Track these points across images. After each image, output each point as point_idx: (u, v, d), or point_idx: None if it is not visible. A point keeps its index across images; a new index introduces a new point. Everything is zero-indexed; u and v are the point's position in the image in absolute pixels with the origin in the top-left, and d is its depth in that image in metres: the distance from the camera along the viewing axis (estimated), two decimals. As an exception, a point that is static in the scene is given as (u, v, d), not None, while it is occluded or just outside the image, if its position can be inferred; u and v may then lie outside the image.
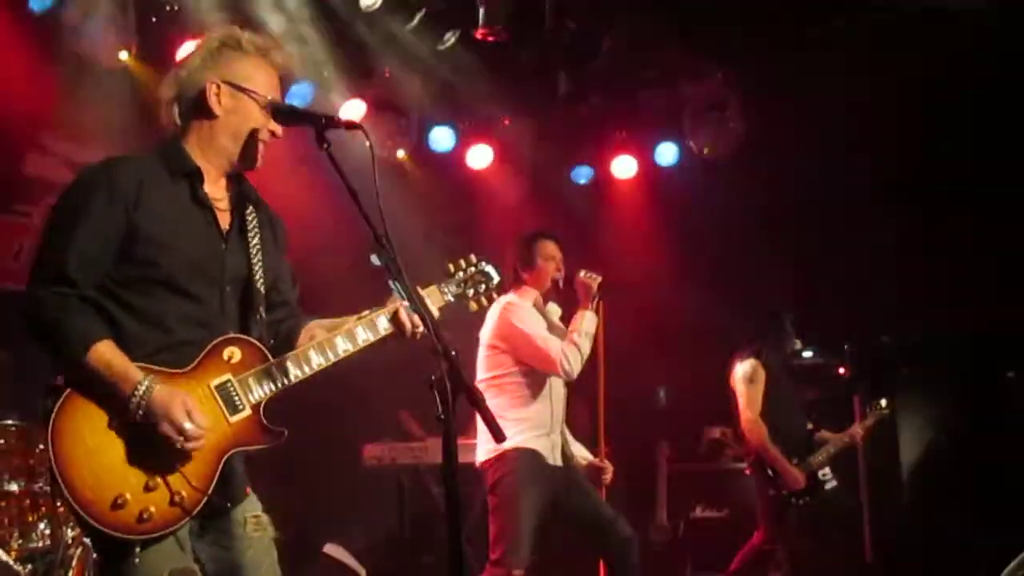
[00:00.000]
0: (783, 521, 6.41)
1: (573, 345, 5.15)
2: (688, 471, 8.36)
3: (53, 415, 2.64)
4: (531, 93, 8.26)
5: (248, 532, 2.94)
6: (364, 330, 3.03)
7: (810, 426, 6.67)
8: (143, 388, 2.65)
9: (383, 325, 3.06)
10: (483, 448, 5.17)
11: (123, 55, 6.43)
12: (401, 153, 8.32)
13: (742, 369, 6.58)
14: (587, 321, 5.24)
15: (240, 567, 2.90)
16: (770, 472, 6.36)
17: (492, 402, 5.16)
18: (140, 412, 2.65)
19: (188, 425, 2.67)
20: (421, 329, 2.97)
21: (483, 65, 7.56)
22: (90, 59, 6.33)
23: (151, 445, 2.69)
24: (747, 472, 6.64)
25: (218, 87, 2.92)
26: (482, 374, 5.32)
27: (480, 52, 7.32)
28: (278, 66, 3.04)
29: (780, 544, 6.48)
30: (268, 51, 3.02)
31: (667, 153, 8.83)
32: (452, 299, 3.24)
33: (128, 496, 2.64)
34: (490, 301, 3.33)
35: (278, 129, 2.98)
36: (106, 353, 2.67)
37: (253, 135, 2.95)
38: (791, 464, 6.33)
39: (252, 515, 2.97)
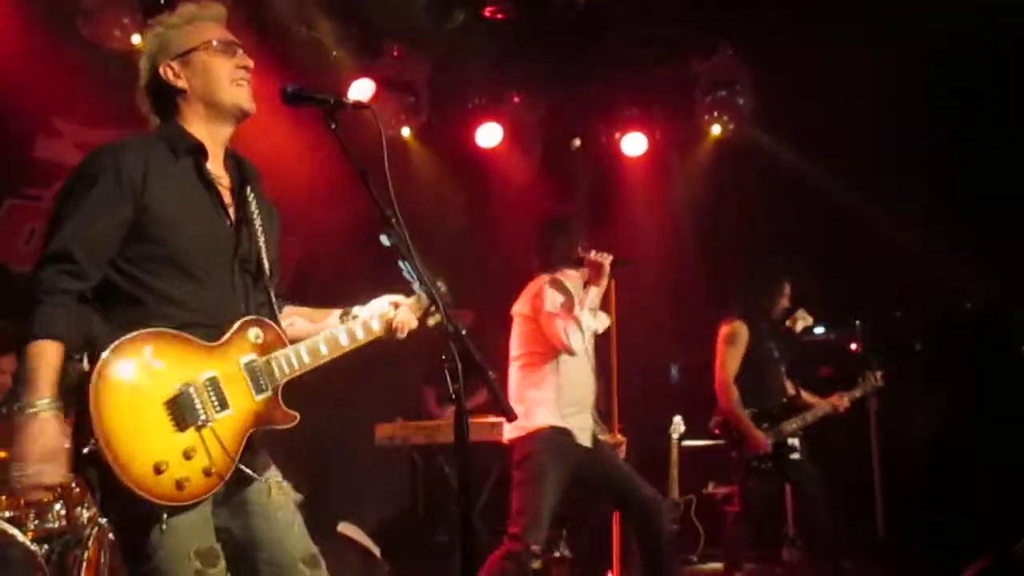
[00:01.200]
0: (746, 481, 6.45)
1: (572, 321, 5.17)
2: (700, 448, 8.37)
3: (96, 373, 2.61)
4: (540, 70, 8.23)
5: (274, 497, 2.97)
6: (362, 330, 3.14)
7: (791, 391, 6.63)
8: (36, 407, 2.60)
9: (377, 327, 3.17)
10: (512, 424, 5.19)
11: (135, 39, 6.43)
12: (409, 132, 8.31)
13: (724, 330, 6.58)
14: (591, 297, 5.26)
15: (271, 531, 2.93)
16: (735, 434, 6.38)
17: (526, 376, 5.22)
18: (17, 422, 2.60)
19: (31, 471, 2.60)
20: (409, 330, 3.14)
21: (492, 43, 7.54)
22: (102, 43, 6.33)
23: (192, 413, 2.71)
24: (715, 431, 6.64)
25: (169, 66, 2.98)
26: (516, 349, 5.36)
27: (489, 29, 7.29)
28: (214, 17, 3.07)
29: (742, 506, 6.49)
30: (195, 15, 3.05)
31: (674, 129, 8.82)
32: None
33: (170, 461, 2.65)
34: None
35: (248, 62, 3.02)
36: (44, 354, 2.62)
37: (225, 80, 2.98)
38: (759, 428, 6.33)
39: (275, 480, 3.01)
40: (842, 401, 6.60)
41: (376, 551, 7.09)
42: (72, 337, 2.68)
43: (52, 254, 2.70)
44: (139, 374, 2.68)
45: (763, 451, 6.28)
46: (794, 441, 6.37)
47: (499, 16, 6.87)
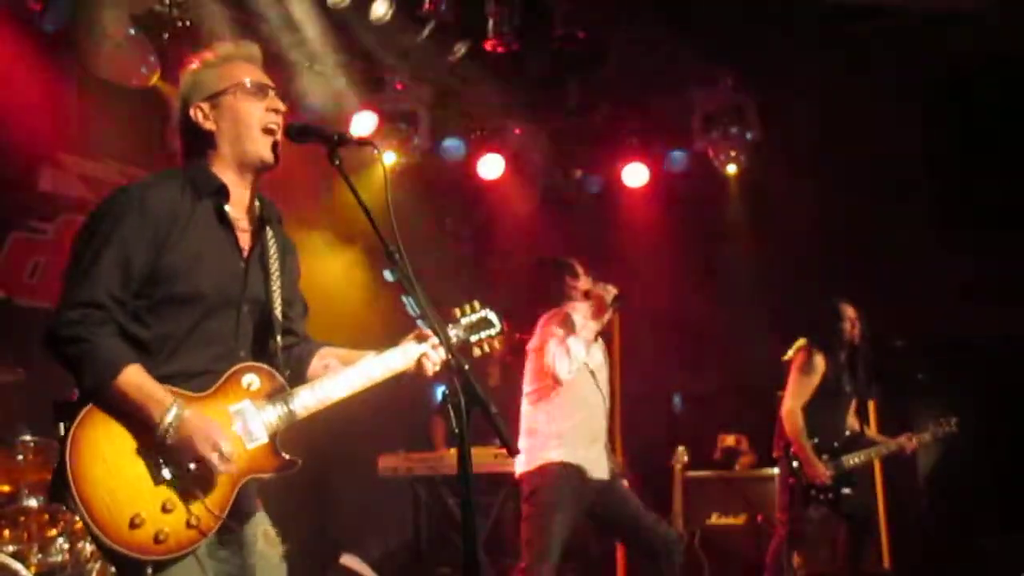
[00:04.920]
0: (798, 511, 6.37)
1: (563, 348, 5.15)
2: (704, 478, 8.35)
3: (72, 432, 2.64)
4: (541, 102, 8.28)
5: (260, 548, 2.94)
6: (381, 365, 3.03)
7: (857, 426, 6.60)
8: (173, 414, 2.67)
9: (401, 363, 3.06)
10: (524, 458, 5.19)
11: (150, 76, 6.47)
12: (411, 163, 8.34)
13: (800, 357, 6.48)
14: (587, 330, 5.25)
15: None
16: (794, 463, 6.32)
17: (538, 413, 5.23)
18: (169, 438, 2.67)
19: (215, 459, 2.69)
20: (439, 368, 3.02)
21: (493, 75, 7.58)
22: (122, 80, 6.36)
23: (171, 466, 2.70)
24: (775, 455, 6.56)
25: (200, 108, 2.96)
26: (527, 385, 5.37)
27: (490, 62, 7.33)
28: (249, 58, 3.06)
29: (792, 533, 6.41)
30: (231, 55, 3.04)
31: (678, 160, 8.86)
32: (458, 343, 3.22)
33: (145, 516, 2.64)
34: (492, 348, 3.32)
35: (279, 105, 3.00)
36: (135, 376, 2.67)
37: (253, 128, 2.96)
38: (819, 459, 6.28)
39: (263, 530, 2.98)
40: (910, 443, 6.59)
41: (378, 583, 7.07)
42: (134, 354, 2.71)
43: (77, 299, 2.69)
44: (118, 430, 2.68)
45: (822, 482, 6.24)
46: (853, 477, 6.34)
47: (500, 49, 6.89)
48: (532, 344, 5.40)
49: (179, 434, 2.67)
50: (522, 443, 5.13)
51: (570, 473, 5.11)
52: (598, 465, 5.23)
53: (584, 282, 5.46)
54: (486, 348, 3.29)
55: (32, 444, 5.07)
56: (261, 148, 2.96)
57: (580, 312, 5.41)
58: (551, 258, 5.69)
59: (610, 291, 5.29)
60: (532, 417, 5.26)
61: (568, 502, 5.07)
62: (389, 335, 3.16)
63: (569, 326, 5.30)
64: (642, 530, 5.21)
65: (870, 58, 7.28)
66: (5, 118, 6.11)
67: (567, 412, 5.21)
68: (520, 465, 5.22)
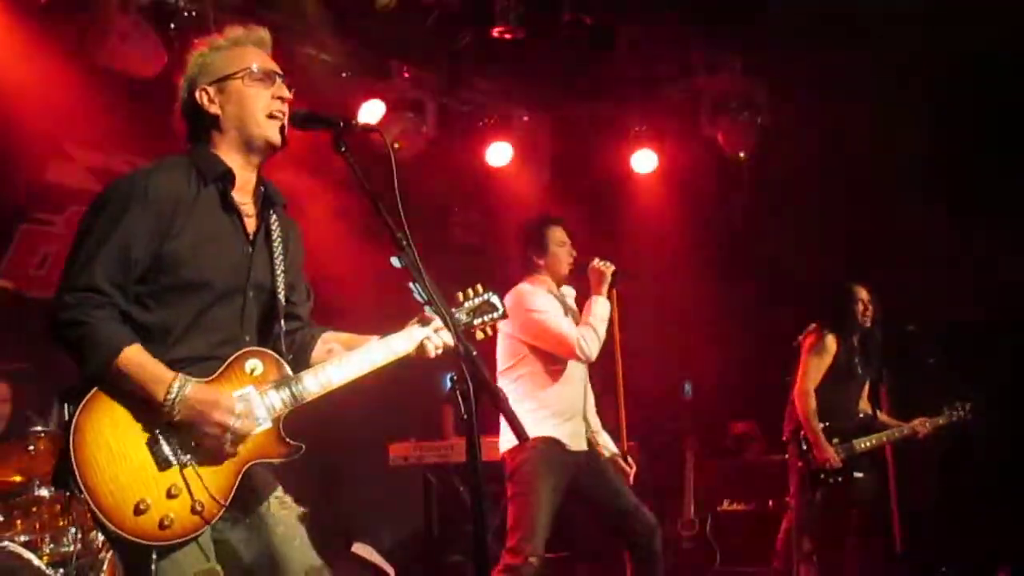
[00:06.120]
0: (807, 494, 6.36)
1: (589, 327, 5.18)
2: (715, 465, 8.34)
3: (75, 419, 2.64)
4: (549, 90, 8.26)
5: (274, 511, 2.96)
6: (384, 349, 3.05)
7: (869, 411, 6.58)
8: (176, 388, 2.67)
9: (404, 347, 3.08)
10: (505, 437, 5.21)
11: (157, 67, 6.47)
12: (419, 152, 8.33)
13: (810, 339, 6.48)
14: (600, 306, 5.27)
15: (273, 546, 2.92)
16: (803, 445, 6.30)
17: (510, 390, 5.20)
18: (175, 414, 2.67)
19: (232, 421, 2.71)
20: (441, 351, 3.05)
21: (500, 62, 7.56)
22: (127, 69, 6.36)
23: (175, 452, 2.71)
24: (784, 439, 6.55)
25: (206, 91, 2.96)
26: (502, 363, 5.35)
27: (497, 50, 7.31)
28: (258, 42, 3.05)
29: (801, 517, 6.40)
30: (240, 39, 3.03)
31: (684, 147, 8.83)
32: (461, 327, 3.23)
33: (150, 501, 2.64)
34: (494, 331, 3.35)
35: (286, 93, 2.99)
36: (137, 356, 2.68)
37: (259, 112, 2.95)
38: (829, 443, 6.26)
39: (275, 496, 2.99)
40: (924, 427, 6.56)
41: (390, 571, 7.09)
42: (135, 335, 2.71)
43: (77, 284, 2.69)
44: (121, 416, 2.68)
45: (832, 466, 6.22)
46: (862, 460, 6.32)
47: (506, 36, 6.88)
48: (505, 323, 5.30)
49: (185, 408, 2.67)
50: (504, 423, 5.11)
51: (550, 446, 5.10)
52: (576, 439, 5.23)
53: (560, 255, 5.40)
54: (488, 331, 3.32)
55: (43, 434, 5.09)
56: (268, 131, 2.95)
57: (542, 287, 5.37)
58: (534, 220, 5.59)
59: (608, 267, 5.31)
60: (511, 393, 5.23)
61: (551, 474, 5.07)
62: (390, 315, 3.18)
63: (555, 303, 5.29)
64: (621, 512, 5.17)
65: (877, 43, 7.24)
66: (13, 111, 6.13)
67: (547, 388, 5.21)
68: (503, 444, 5.23)
